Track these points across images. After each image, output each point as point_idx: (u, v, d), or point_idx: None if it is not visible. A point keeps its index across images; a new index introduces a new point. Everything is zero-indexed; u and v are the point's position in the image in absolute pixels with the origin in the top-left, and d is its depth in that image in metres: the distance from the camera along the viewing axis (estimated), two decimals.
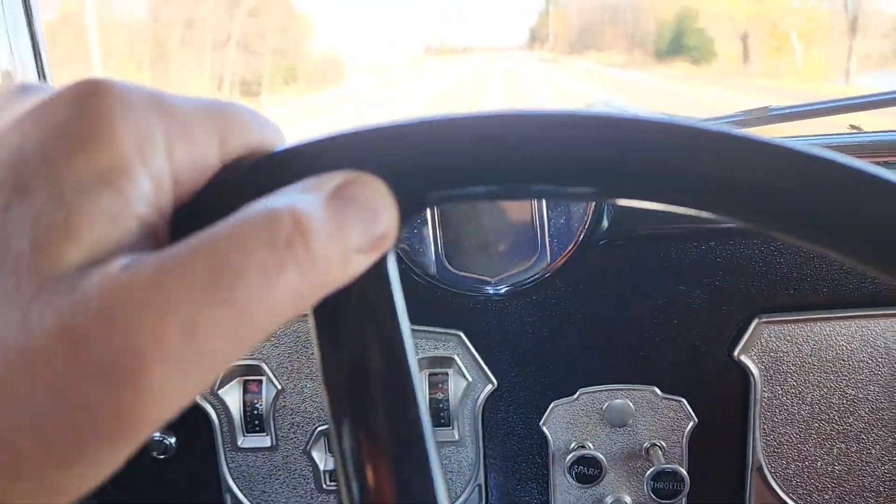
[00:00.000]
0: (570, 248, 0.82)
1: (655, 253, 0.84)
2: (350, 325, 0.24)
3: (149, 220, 0.20)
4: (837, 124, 0.93)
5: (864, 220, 0.21)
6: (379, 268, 0.23)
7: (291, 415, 0.90)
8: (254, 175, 0.23)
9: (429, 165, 0.23)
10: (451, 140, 0.23)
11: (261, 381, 0.90)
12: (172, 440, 0.91)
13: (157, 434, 0.91)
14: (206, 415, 0.90)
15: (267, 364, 0.89)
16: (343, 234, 0.21)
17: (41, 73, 1.00)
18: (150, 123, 0.21)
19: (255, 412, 0.90)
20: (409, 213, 0.23)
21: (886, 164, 0.84)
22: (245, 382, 0.90)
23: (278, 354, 0.88)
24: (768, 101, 0.92)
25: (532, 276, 0.82)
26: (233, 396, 0.90)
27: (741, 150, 0.22)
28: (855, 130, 0.88)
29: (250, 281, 0.19)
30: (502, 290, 0.84)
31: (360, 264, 0.22)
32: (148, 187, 0.20)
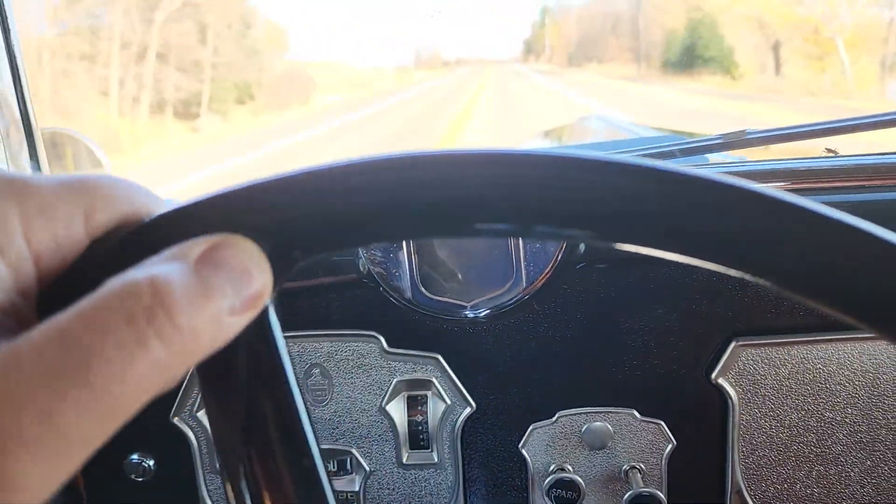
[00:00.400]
0: (546, 271, 0.82)
1: (633, 276, 0.84)
2: (237, 381, 0.24)
3: (6, 305, 0.20)
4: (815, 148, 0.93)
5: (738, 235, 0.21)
6: (260, 323, 0.24)
7: None
8: (121, 248, 0.23)
9: (298, 221, 0.23)
10: (317, 194, 0.23)
11: None
12: (151, 463, 0.91)
13: (136, 457, 0.91)
14: (184, 437, 0.90)
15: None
16: (212, 299, 0.21)
17: None
18: (3, 209, 0.21)
19: None
20: (286, 268, 0.24)
21: (862, 189, 0.85)
22: None
23: None
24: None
25: (509, 300, 0.82)
26: None
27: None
28: (831, 154, 0.89)
29: (107, 361, 0.18)
30: (481, 314, 0.84)
31: (235, 325, 0.22)
32: (4, 273, 0.20)
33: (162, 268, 0.21)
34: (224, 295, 0.21)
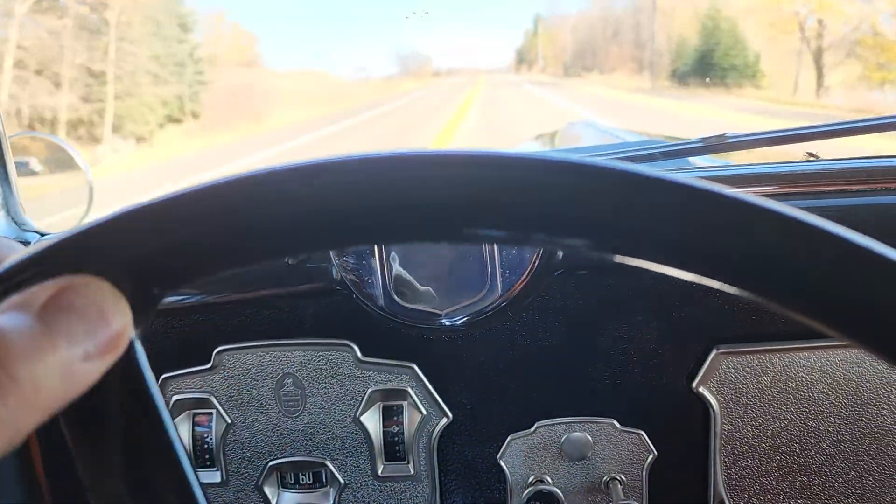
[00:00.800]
0: (523, 278, 0.80)
1: (612, 283, 0.82)
2: (109, 429, 0.23)
3: None
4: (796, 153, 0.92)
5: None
6: (127, 364, 0.22)
7: (242, 449, 0.88)
8: None
9: (153, 255, 0.22)
10: (167, 224, 0.22)
11: (210, 415, 0.87)
12: None
13: None
14: None
15: (216, 397, 0.86)
16: (59, 347, 0.19)
17: None
18: None
19: (206, 446, 0.87)
20: (149, 304, 0.22)
21: (842, 193, 0.83)
22: (194, 416, 0.88)
23: (227, 388, 0.86)
24: None
25: (485, 308, 0.80)
26: (182, 431, 0.88)
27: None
28: (812, 158, 0.87)
29: None
30: (456, 322, 0.82)
31: (91, 371, 0.20)
32: None
33: (1, 318, 0.19)
34: (74, 341, 0.20)
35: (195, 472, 0.24)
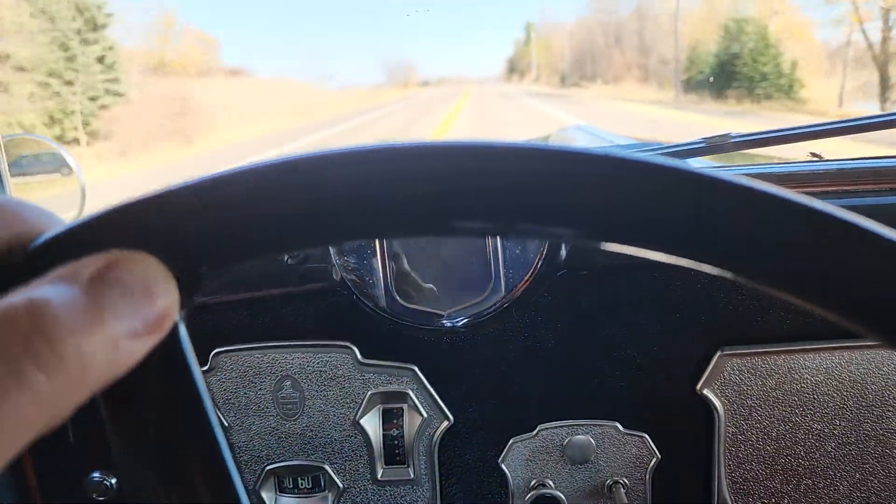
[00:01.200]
0: (526, 278, 0.79)
1: (615, 284, 0.81)
2: (147, 411, 0.22)
3: None
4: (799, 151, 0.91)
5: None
6: (169, 345, 0.21)
7: (239, 453, 0.86)
8: (6, 273, 0.21)
9: (202, 232, 0.21)
10: (220, 202, 0.21)
11: None
12: (113, 481, 0.87)
13: (97, 474, 0.86)
14: None
15: (213, 400, 0.85)
16: (105, 323, 0.19)
17: None
18: None
19: None
20: (195, 284, 0.22)
21: (847, 193, 0.83)
22: None
23: (225, 390, 0.85)
24: None
25: (487, 309, 0.79)
26: None
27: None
28: (815, 159, 0.87)
29: None
30: (458, 323, 0.81)
31: (137, 350, 0.20)
32: None
33: (44, 290, 0.18)
34: (121, 317, 0.19)
35: (235, 465, 0.23)
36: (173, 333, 0.22)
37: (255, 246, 0.22)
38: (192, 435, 0.23)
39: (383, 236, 0.23)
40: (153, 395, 0.22)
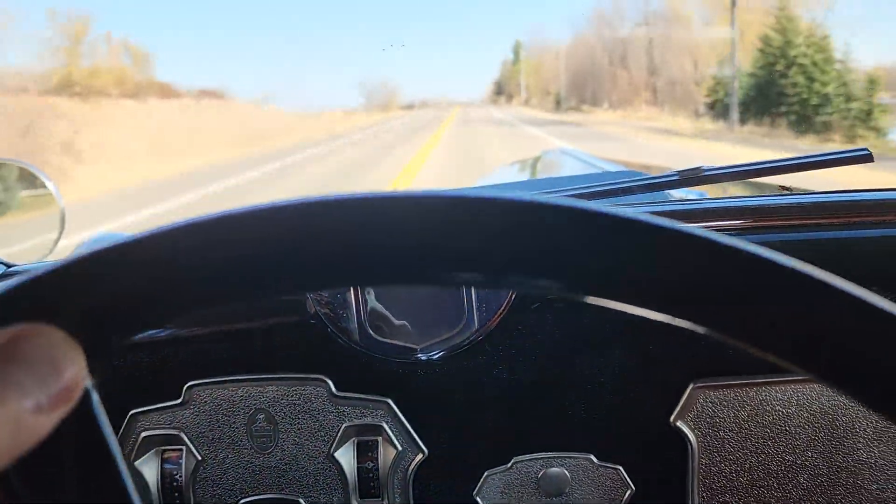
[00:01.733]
0: (499, 311, 0.79)
1: (589, 316, 0.82)
2: (63, 483, 0.22)
3: None
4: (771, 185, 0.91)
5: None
6: (80, 413, 0.22)
7: (213, 487, 0.85)
8: None
9: (108, 301, 0.21)
10: (127, 268, 0.21)
11: (180, 451, 0.85)
12: None
13: None
14: None
15: (186, 433, 0.84)
16: (9, 400, 0.19)
17: None
18: None
19: (175, 484, 0.85)
20: (105, 352, 0.22)
21: (819, 226, 0.84)
22: (163, 452, 0.85)
23: (198, 423, 0.84)
24: None
25: (461, 342, 0.80)
26: (150, 468, 0.85)
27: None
28: (785, 192, 0.88)
29: None
30: (434, 357, 0.81)
31: (42, 425, 0.20)
32: None
33: None
34: (25, 393, 0.19)
35: (209, 500, 0.23)
36: (85, 402, 0.22)
37: (162, 312, 0.22)
38: (109, 500, 0.23)
39: (276, 295, 0.23)
40: (67, 466, 0.22)
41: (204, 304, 0.23)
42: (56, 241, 1.14)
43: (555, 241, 0.21)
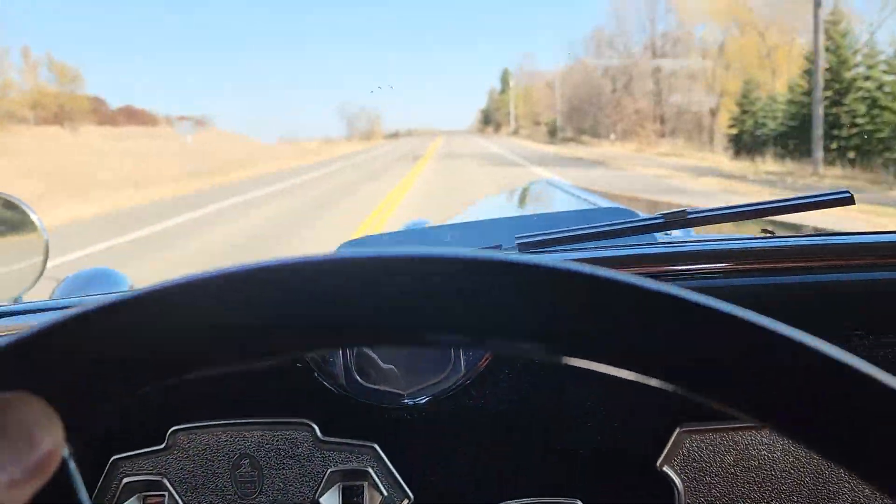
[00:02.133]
0: (485, 357, 0.80)
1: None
2: None
3: None
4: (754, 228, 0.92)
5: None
6: (57, 483, 0.21)
7: None
8: None
9: (86, 368, 0.21)
10: (102, 335, 0.21)
11: (162, 498, 0.84)
12: None
13: None
14: None
15: (169, 479, 0.83)
16: None
17: None
18: None
19: None
20: (86, 419, 0.22)
21: (800, 269, 0.85)
22: (145, 499, 0.84)
23: (181, 469, 0.83)
24: None
25: (447, 388, 0.79)
26: None
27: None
28: (768, 235, 0.90)
29: None
30: (420, 402, 0.81)
31: (18, 498, 0.19)
32: None
33: None
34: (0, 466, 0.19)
35: None
36: (63, 471, 0.21)
37: (141, 377, 0.22)
38: None
39: (255, 361, 0.23)
40: None
41: (190, 368, 0.23)
42: (39, 276, 1.13)
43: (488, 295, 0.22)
